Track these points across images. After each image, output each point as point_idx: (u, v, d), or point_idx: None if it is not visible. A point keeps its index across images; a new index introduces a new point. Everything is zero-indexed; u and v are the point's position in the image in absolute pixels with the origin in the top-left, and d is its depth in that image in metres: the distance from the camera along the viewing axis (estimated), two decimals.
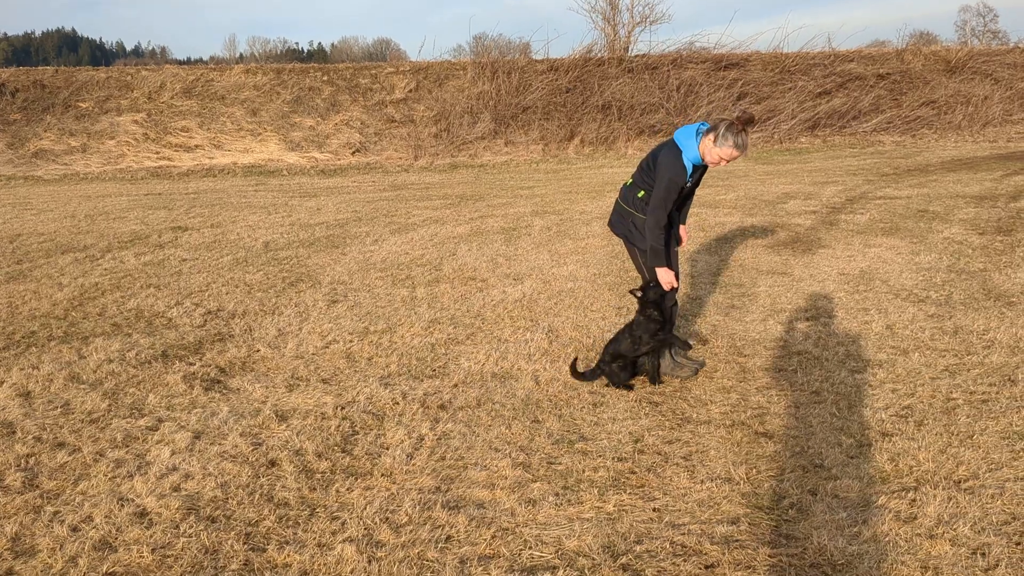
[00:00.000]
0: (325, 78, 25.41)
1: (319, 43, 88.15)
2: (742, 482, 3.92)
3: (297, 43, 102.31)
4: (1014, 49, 28.40)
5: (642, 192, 5.24)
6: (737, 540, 3.42)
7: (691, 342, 5.65)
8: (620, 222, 5.44)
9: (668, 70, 24.17)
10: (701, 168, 5.20)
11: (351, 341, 6.28)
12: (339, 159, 22.28)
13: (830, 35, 32.49)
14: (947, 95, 24.59)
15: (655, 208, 5.07)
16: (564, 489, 3.90)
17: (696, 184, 5.34)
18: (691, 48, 25.53)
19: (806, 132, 22.96)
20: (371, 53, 69.54)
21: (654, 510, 3.69)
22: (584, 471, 4.08)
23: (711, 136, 4.92)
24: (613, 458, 4.22)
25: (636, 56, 25.55)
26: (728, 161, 4.99)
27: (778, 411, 4.76)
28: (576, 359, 5.52)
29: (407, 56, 49.20)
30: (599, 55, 25.30)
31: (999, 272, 7.77)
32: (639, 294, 5.26)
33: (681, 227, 5.50)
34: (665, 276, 5.19)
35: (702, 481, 3.95)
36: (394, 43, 79.62)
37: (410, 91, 24.50)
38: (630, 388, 5.18)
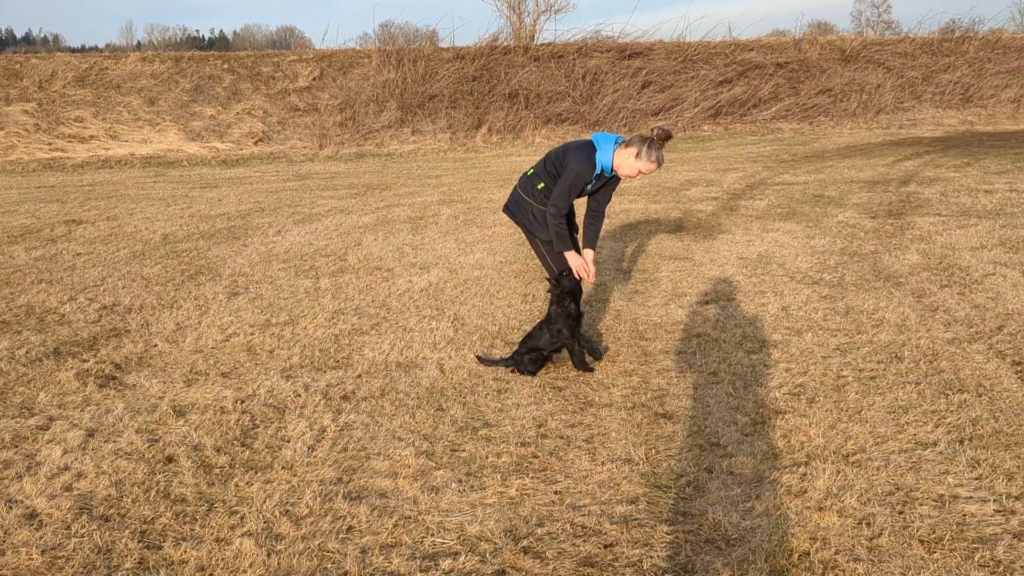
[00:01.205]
0: (226, 66, 24.80)
1: (220, 30, 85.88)
2: (641, 462, 3.99)
3: (197, 31, 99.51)
4: (905, 39, 29.50)
5: (542, 184, 5.28)
6: (636, 519, 3.49)
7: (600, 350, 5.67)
8: (519, 211, 5.46)
9: (574, 59, 24.36)
10: (608, 179, 5.27)
11: (252, 334, 6.16)
12: (241, 149, 21.79)
13: (731, 24, 33.32)
14: (842, 83, 25.40)
15: (558, 198, 5.14)
16: (467, 476, 3.91)
17: (605, 200, 5.41)
18: (596, 37, 25.79)
19: (708, 120, 23.45)
20: (274, 41, 68.15)
21: (556, 493, 3.73)
22: (487, 457, 4.10)
23: (632, 150, 5.03)
24: (516, 443, 4.25)
25: (542, 45, 25.67)
26: (644, 174, 5.14)
27: (677, 392, 4.86)
28: (481, 356, 5.55)
29: (311, 44, 48.39)
30: (505, 43, 25.33)
31: (889, 254, 8.08)
32: (555, 284, 5.26)
33: (588, 251, 5.49)
34: (575, 260, 5.26)
35: (603, 463, 4.01)
36: (298, 31, 78.15)
37: (314, 79, 24.11)
38: (533, 374, 5.22)
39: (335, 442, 4.30)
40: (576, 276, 5.28)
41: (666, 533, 3.38)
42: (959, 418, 4.32)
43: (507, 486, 3.80)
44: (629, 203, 11.73)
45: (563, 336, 5.22)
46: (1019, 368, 4.98)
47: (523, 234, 5.59)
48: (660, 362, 5.40)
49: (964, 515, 3.41)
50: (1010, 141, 18.57)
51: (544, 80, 23.41)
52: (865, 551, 3.19)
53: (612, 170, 5.14)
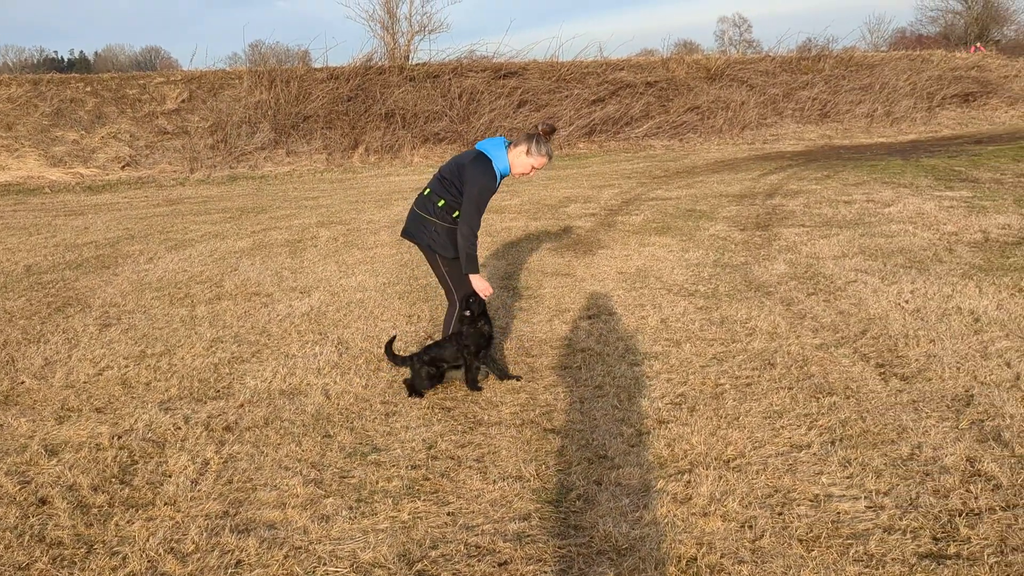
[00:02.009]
0: (89, 89, 23.83)
1: (81, 52, 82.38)
2: (532, 479, 4.03)
3: (56, 52, 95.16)
4: (765, 57, 30.84)
5: (442, 201, 5.26)
6: (529, 535, 3.52)
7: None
8: (419, 232, 5.39)
9: (449, 78, 24.47)
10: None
11: (127, 366, 5.93)
12: (108, 174, 20.95)
13: (601, 45, 34.19)
14: (709, 101, 26.35)
15: (470, 216, 5.14)
16: (358, 502, 3.87)
17: None
18: (471, 57, 26.00)
19: (584, 138, 23.94)
20: (139, 62, 65.82)
21: (448, 514, 3.73)
22: (378, 482, 4.06)
23: (522, 148, 5.16)
24: (407, 466, 4.22)
25: (417, 65, 25.71)
26: (537, 170, 5.23)
27: (564, 407, 4.94)
28: (394, 337, 5.51)
29: (179, 65, 47.01)
30: (380, 63, 25.25)
31: (758, 264, 8.41)
32: (467, 313, 5.22)
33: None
34: (480, 284, 5.26)
35: (494, 481, 4.03)
36: (164, 51, 75.76)
37: (183, 101, 23.43)
38: (421, 396, 5.20)
39: (219, 475, 4.18)
40: (483, 298, 5.28)
41: (559, 548, 3.42)
42: (830, 420, 4.54)
43: (399, 510, 3.77)
44: (510, 221, 11.85)
45: (468, 352, 5.23)
46: (882, 370, 5.27)
47: (424, 255, 5.51)
48: (547, 378, 5.47)
49: (838, 513, 3.58)
50: (865, 154, 19.64)
51: (420, 100, 23.43)
52: (749, 553, 3.31)
53: (509, 171, 5.22)
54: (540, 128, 5.24)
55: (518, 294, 7.69)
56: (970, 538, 3.32)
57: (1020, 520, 3.44)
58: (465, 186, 5.16)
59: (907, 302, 6.67)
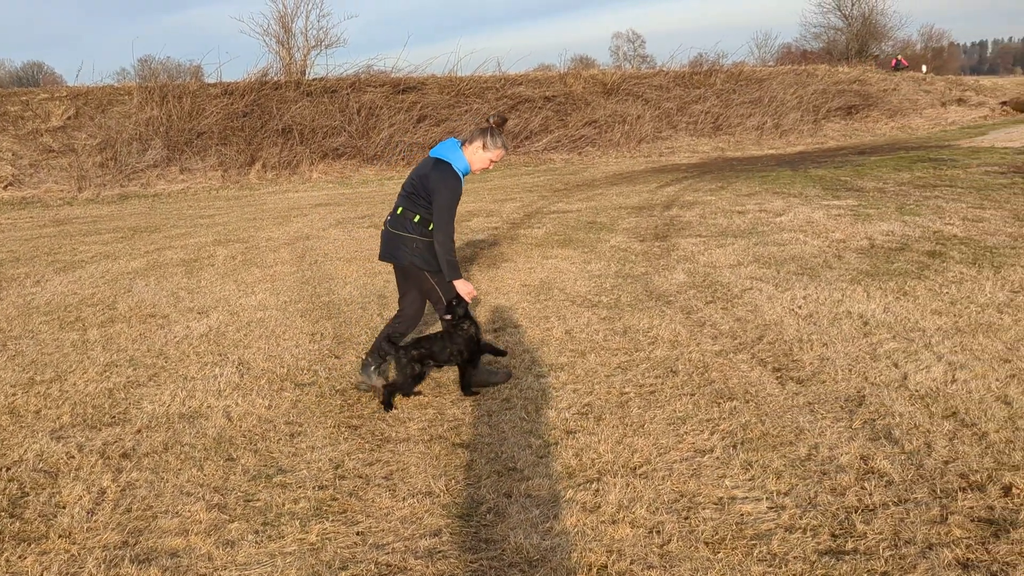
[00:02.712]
0: None
1: None
2: (442, 494, 4.01)
3: None
4: (659, 72, 31.58)
5: (417, 216, 5.25)
6: (440, 551, 3.50)
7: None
8: (401, 251, 5.32)
9: (348, 93, 24.27)
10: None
11: (14, 394, 5.66)
12: None
13: (499, 59, 34.38)
14: (606, 115, 26.82)
15: (445, 224, 5.16)
16: (264, 525, 3.78)
17: None
18: (369, 71, 25.83)
19: None
20: (20, 78, 63.07)
21: (358, 534, 3.68)
22: (284, 504, 3.98)
23: (477, 144, 5.25)
24: (314, 487, 4.15)
25: (314, 79, 25.40)
26: (495, 162, 5.32)
27: (472, 421, 4.93)
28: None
29: (64, 81, 45.22)
30: (276, 78, 24.86)
31: (658, 274, 8.59)
32: (448, 317, 5.26)
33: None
34: (464, 287, 5.28)
35: (404, 498, 4.00)
36: (47, 67, 72.80)
37: (69, 118, 22.58)
38: (403, 395, 5.27)
39: (117, 503, 4.03)
40: (467, 300, 5.31)
41: (470, 562, 3.41)
42: (731, 424, 4.66)
43: (307, 532, 3.70)
44: None
45: (462, 357, 5.28)
46: (779, 374, 5.44)
47: (406, 275, 5.45)
48: (454, 392, 5.45)
49: (742, 514, 3.67)
50: (757, 165, 20.29)
51: (318, 115, 23.15)
52: (657, 558, 3.36)
53: (470, 169, 5.29)
54: (491, 121, 5.29)
55: None
56: (866, 533, 3.45)
57: (912, 514, 3.59)
58: (433, 195, 5.15)
59: (800, 308, 6.90)
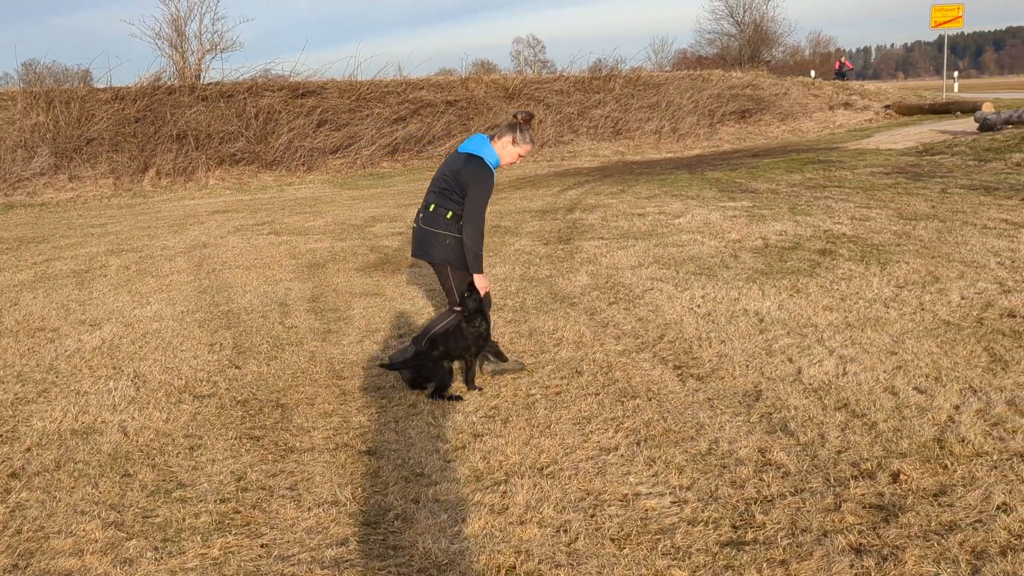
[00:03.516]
0: None
1: None
2: (349, 502, 3.97)
3: None
4: (560, 77, 31.87)
5: (451, 213, 5.34)
6: (347, 560, 3.46)
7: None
8: (435, 248, 5.42)
9: (245, 98, 23.76)
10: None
11: None
12: None
13: (400, 64, 34.24)
14: (509, 120, 26.95)
15: (477, 217, 5.28)
16: (164, 542, 3.67)
17: None
18: (267, 76, 25.35)
19: (387, 157, 23.87)
20: None
21: (262, 546, 3.61)
22: (185, 519, 3.87)
23: (507, 139, 5.40)
24: (215, 500, 4.05)
25: (210, 84, 24.77)
26: (523, 157, 5.55)
27: (378, 428, 4.89)
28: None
29: None
30: (169, 83, 24.16)
31: (562, 277, 8.68)
32: (458, 309, 5.36)
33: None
34: (482, 282, 5.42)
35: (309, 508, 3.94)
36: None
37: None
38: (459, 398, 5.29)
39: (6, 526, 3.85)
40: (481, 295, 5.40)
41: (378, 570, 3.38)
42: (635, 422, 4.74)
43: (209, 547, 3.61)
44: (315, 242, 11.63)
45: (471, 352, 5.39)
46: (680, 372, 5.56)
47: (436, 271, 5.60)
48: (360, 399, 5.40)
49: (646, 510, 3.74)
50: (656, 168, 20.69)
51: (214, 120, 22.60)
52: (565, 557, 3.40)
53: (500, 163, 5.43)
54: (519, 117, 5.45)
55: (326, 316, 7.56)
56: (765, 524, 3.56)
57: (807, 503, 3.72)
58: (468, 189, 5.27)
59: (699, 307, 7.07)
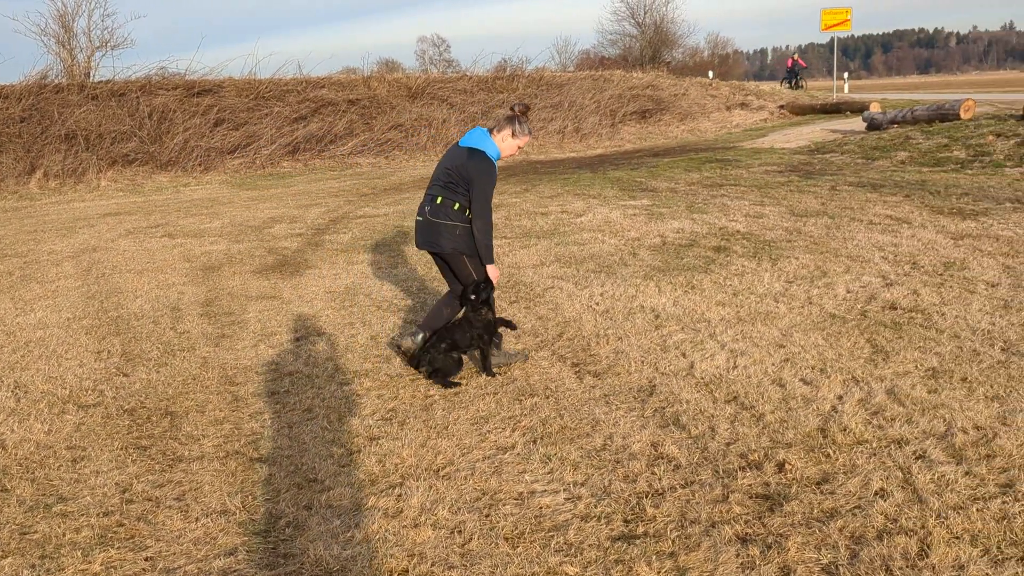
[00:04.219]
0: None
1: None
2: (238, 511, 3.88)
3: None
4: (463, 76, 31.86)
5: (457, 204, 5.49)
6: (235, 571, 3.38)
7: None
8: (443, 238, 5.56)
9: (138, 97, 23.01)
10: None
11: None
12: None
13: (300, 62, 33.60)
14: (412, 119, 26.79)
15: (484, 210, 5.46)
16: (42, 559, 3.52)
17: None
18: (161, 74, 24.61)
19: (287, 157, 23.44)
20: None
21: (147, 559, 3.49)
22: (65, 534, 3.72)
23: (507, 131, 5.55)
24: (98, 514, 3.90)
25: (101, 82, 23.90)
26: (522, 149, 5.59)
27: (272, 434, 4.79)
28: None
29: None
30: (57, 81, 23.23)
31: None
32: (472, 296, 5.45)
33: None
34: (494, 272, 5.61)
35: (197, 519, 3.83)
36: None
37: None
38: (456, 385, 5.42)
39: None
40: (493, 285, 5.59)
41: None
42: (532, 420, 4.77)
43: (90, 562, 3.47)
44: (210, 245, 11.34)
45: (483, 340, 5.54)
46: (577, 369, 5.62)
47: (447, 261, 5.72)
48: (252, 406, 5.28)
49: (540, 508, 3.76)
50: (559, 168, 20.86)
51: (106, 120, 21.82)
52: (458, 558, 3.39)
53: (500, 155, 5.58)
54: (516, 109, 5.60)
55: (220, 321, 7.37)
56: (655, 517, 3.62)
57: (697, 495, 3.79)
58: (473, 183, 5.42)
59: (598, 304, 7.16)
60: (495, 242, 7.36)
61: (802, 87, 41.56)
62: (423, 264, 9.39)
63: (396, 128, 25.93)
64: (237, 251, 10.79)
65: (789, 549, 3.30)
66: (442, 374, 5.47)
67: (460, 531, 3.59)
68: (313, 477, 4.20)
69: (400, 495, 3.94)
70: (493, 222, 5.57)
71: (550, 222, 11.81)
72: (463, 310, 5.70)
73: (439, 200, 5.56)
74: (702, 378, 5.27)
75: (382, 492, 3.99)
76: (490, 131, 5.61)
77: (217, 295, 8.36)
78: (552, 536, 3.51)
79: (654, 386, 5.20)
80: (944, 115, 19.18)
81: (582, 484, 3.97)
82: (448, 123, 26.97)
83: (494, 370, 5.63)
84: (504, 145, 5.60)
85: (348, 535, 3.60)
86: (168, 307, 7.92)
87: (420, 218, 5.72)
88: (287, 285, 8.71)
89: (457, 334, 5.56)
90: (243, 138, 23.11)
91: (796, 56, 42.72)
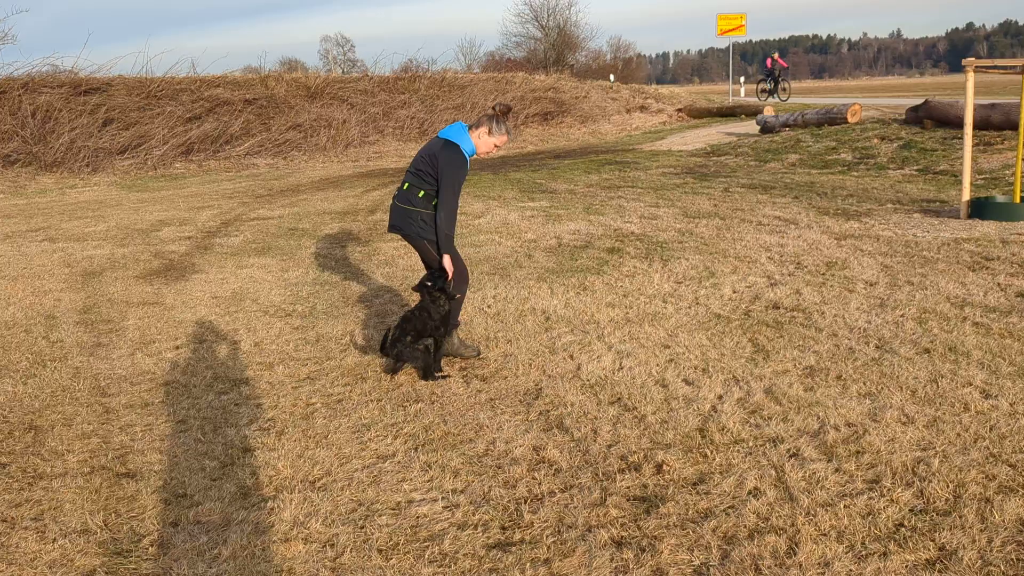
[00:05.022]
0: None
1: None
2: (99, 531, 3.68)
3: None
4: (364, 77, 31.51)
5: (422, 192, 5.62)
6: None
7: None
8: (408, 223, 5.69)
9: (19, 95, 22.00)
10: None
11: None
12: None
13: (194, 60, 32.64)
14: (311, 119, 26.33)
15: (449, 201, 5.55)
16: None
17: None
18: (45, 71, 23.60)
19: (180, 157, 22.74)
20: None
21: None
22: None
23: (484, 129, 5.65)
24: None
25: None
26: (499, 148, 5.72)
27: (142, 448, 4.58)
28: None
29: None
30: None
31: (357, 280, 8.52)
32: (429, 283, 5.53)
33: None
34: (448, 264, 5.62)
35: (55, 539, 3.62)
36: None
37: None
38: (446, 376, 5.50)
39: None
40: (448, 275, 5.63)
41: None
42: (414, 427, 4.68)
43: None
44: (93, 249, 10.88)
45: (439, 331, 5.56)
46: (465, 373, 5.56)
47: (413, 245, 5.83)
48: (124, 418, 5.05)
49: (417, 517, 3.69)
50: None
51: None
52: (329, 572, 3.28)
53: (475, 152, 5.67)
54: (497, 109, 5.70)
55: (96, 329, 7.05)
56: (533, 523, 3.58)
57: (575, 499, 3.78)
58: (442, 174, 5.52)
59: (490, 307, 7.12)
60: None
61: (785, 91, 34.78)
62: (316, 268, 9.20)
63: (295, 128, 25.47)
64: (121, 255, 10.38)
65: (663, 551, 3.31)
66: (425, 368, 5.48)
67: (333, 544, 3.48)
68: (182, 492, 4.03)
69: (273, 508, 3.80)
70: (456, 215, 5.68)
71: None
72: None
73: (406, 186, 5.75)
74: (588, 380, 5.27)
75: (254, 506, 3.85)
76: (470, 127, 5.72)
77: (96, 302, 8.01)
78: (427, 546, 3.43)
79: (540, 389, 5.18)
80: (832, 119, 19.84)
81: (461, 491, 3.91)
82: (348, 123, 26.63)
83: (443, 364, 5.68)
84: (480, 142, 5.69)
85: (215, 552, 3.46)
86: (42, 315, 7.55)
87: (392, 201, 5.89)
88: (171, 291, 8.41)
89: (418, 323, 5.55)
90: (133, 138, 22.35)
91: (776, 55, 35.37)
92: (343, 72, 44.19)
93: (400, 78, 31.39)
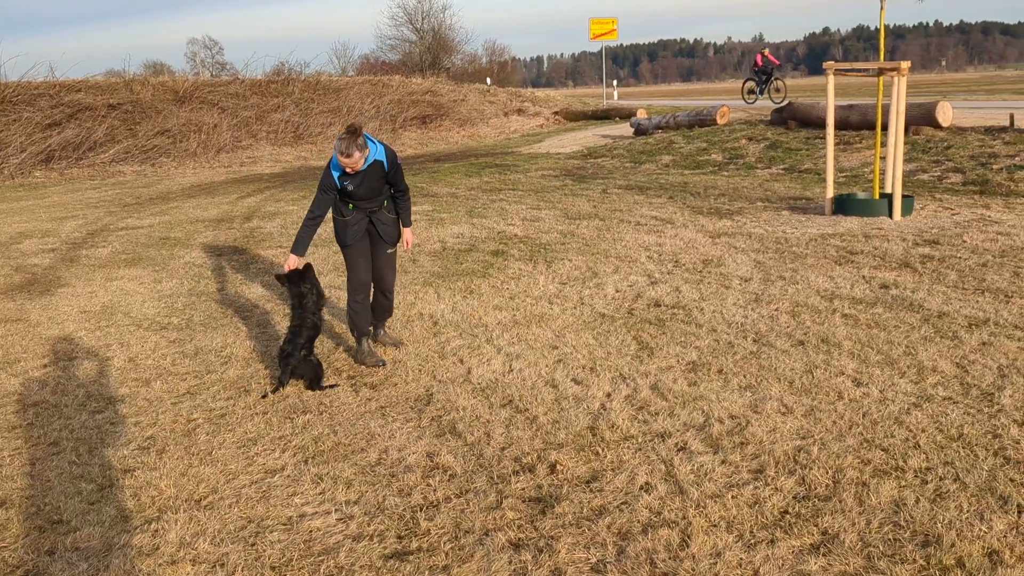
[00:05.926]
0: None
1: None
2: None
3: None
4: (235, 80, 30.68)
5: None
6: None
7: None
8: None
9: None
10: (366, 171, 5.58)
11: None
12: None
13: (52, 64, 31.04)
14: (180, 124, 25.46)
15: (311, 204, 5.74)
16: None
17: (397, 183, 5.88)
18: None
19: (40, 166, 21.59)
20: None
21: None
22: None
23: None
24: None
25: None
26: (346, 164, 5.45)
27: (10, 474, 4.32)
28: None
29: None
30: None
31: (235, 289, 8.28)
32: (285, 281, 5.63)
33: (405, 229, 6.22)
34: (293, 261, 5.63)
35: None
36: None
37: None
38: (335, 386, 5.43)
39: None
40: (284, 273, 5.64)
41: None
42: (303, 439, 4.58)
43: None
44: None
45: (320, 319, 5.66)
46: (353, 381, 5.47)
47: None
48: None
49: (311, 531, 3.60)
50: None
51: None
52: None
53: (342, 168, 5.55)
54: (347, 129, 5.59)
55: None
56: (429, 530, 3.55)
57: (471, 504, 3.76)
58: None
59: None
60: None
61: (779, 91, 29.35)
62: (191, 278, 8.90)
63: (163, 134, 24.59)
64: None
65: (560, 551, 3.33)
66: (317, 381, 5.40)
67: (223, 564, 3.36)
68: (58, 518, 3.82)
69: (157, 530, 3.65)
70: (304, 220, 5.70)
71: (328, 230, 11.51)
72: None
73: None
74: (479, 383, 5.27)
75: (136, 529, 3.68)
76: None
77: None
78: (322, 561, 3.36)
79: (431, 395, 5.15)
80: (703, 121, 20.48)
81: (355, 502, 3.84)
82: (220, 128, 25.89)
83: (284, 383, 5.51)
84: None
85: None
86: None
87: None
88: (35, 306, 7.97)
89: (309, 332, 5.51)
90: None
91: (766, 51, 31.15)
92: (212, 75, 42.94)
93: (273, 81, 30.72)
